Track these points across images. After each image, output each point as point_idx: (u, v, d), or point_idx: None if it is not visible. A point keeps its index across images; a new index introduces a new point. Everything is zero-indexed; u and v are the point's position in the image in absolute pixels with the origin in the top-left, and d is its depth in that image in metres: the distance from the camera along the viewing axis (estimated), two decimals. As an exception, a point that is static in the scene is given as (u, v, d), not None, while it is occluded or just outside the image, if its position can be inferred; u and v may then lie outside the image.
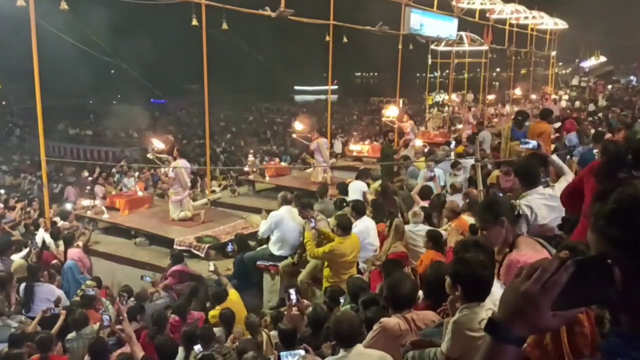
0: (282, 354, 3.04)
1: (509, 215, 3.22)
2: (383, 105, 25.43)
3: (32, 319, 6.57)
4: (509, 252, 3.19)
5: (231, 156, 26.78)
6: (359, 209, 7.48)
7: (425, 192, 8.66)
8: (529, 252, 3.09)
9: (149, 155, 11.72)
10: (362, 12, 16.65)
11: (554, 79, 34.01)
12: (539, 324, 1.09)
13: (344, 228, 6.61)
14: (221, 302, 6.68)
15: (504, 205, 3.29)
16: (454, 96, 24.75)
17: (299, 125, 13.83)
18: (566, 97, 29.09)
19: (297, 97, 48.57)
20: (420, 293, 4.06)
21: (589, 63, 44.43)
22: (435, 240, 5.82)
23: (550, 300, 1.06)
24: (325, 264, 6.71)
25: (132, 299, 6.88)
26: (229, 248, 8.92)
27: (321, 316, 4.78)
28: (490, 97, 27.37)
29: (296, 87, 45.47)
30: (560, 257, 1.08)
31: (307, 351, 2.99)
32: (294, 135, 14.06)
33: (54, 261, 8.14)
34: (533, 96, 28.20)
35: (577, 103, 26.64)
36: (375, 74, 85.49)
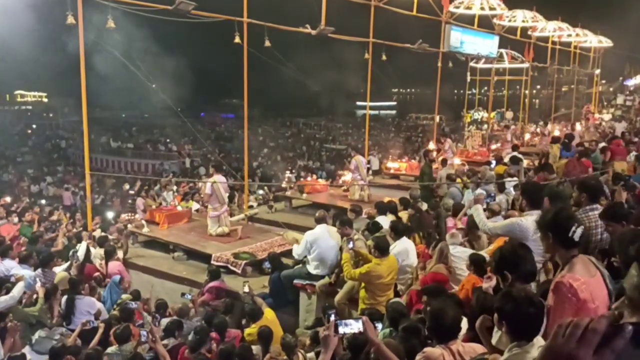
0: (339, 322, 2.89)
1: (559, 233, 3.11)
2: (420, 122, 25.35)
3: (73, 331, 6.68)
4: (561, 271, 3.08)
5: (267, 171, 26.97)
6: (397, 229, 7.37)
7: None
8: (583, 276, 2.98)
9: None
10: (402, 30, 16.64)
11: (597, 97, 33.20)
12: None
13: (382, 249, 6.49)
14: (256, 320, 6.67)
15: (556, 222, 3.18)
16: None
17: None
18: (609, 116, 28.25)
19: (359, 112, 49.32)
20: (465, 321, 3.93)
21: (634, 81, 43.19)
22: (477, 265, 5.66)
23: None
24: (362, 285, 6.59)
25: (165, 317, 6.93)
26: (266, 265, 8.94)
27: (361, 341, 4.69)
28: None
29: (357, 103, 46.63)
30: (608, 318, 0.98)
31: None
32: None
33: (96, 274, 8.27)
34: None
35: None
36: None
